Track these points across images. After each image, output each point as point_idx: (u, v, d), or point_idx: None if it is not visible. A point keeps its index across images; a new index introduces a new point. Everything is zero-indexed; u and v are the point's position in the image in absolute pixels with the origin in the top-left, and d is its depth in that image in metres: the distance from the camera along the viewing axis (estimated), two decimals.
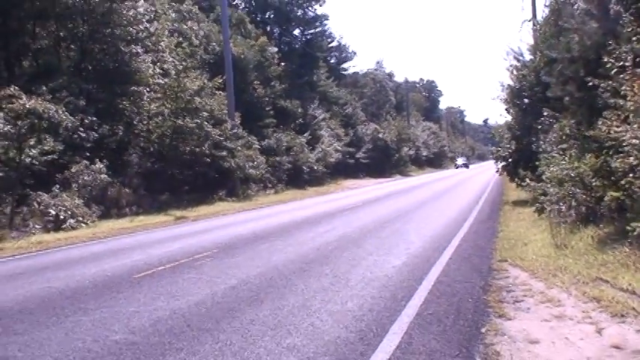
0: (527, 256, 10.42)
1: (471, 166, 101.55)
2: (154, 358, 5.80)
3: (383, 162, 71.10)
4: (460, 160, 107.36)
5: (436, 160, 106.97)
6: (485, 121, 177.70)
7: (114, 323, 7.12)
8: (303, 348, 5.86)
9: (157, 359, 5.76)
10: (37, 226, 19.07)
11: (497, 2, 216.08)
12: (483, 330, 6.28)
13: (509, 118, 25.87)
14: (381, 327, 6.49)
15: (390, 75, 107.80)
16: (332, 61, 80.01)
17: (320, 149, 51.84)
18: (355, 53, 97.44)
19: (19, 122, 18.95)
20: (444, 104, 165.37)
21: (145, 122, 30.16)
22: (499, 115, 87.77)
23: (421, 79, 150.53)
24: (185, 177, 30.64)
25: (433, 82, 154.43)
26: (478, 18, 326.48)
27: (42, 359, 5.93)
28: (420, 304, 7.43)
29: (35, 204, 20.01)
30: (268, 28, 63.17)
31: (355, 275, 9.49)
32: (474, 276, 9.17)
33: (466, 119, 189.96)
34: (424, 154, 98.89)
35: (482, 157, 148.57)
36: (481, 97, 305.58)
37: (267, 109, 47.20)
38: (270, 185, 39.97)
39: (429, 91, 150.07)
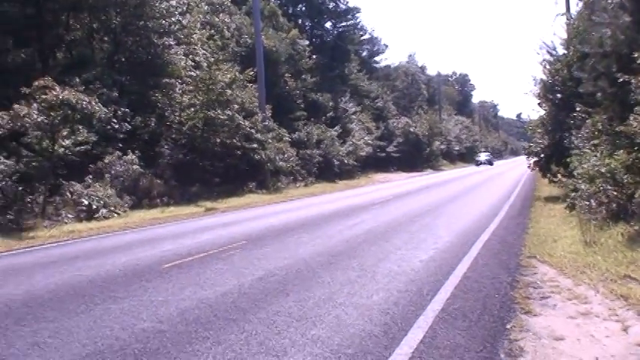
0: (556, 252, 10.31)
1: (502, 162, 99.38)
2: (180, 346, 5.87)
3: (414, 156, 70.59)
4: (483, 156, 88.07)
5: (468, 155, 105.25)
6: (518, 116, 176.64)
7: (142, 312, 7.23)
8: (328, 340, 5.89)
9: (184, 347, 5.83)
10: (69, 216, 19.39)
11: None
12: (509, 326, 6.25)
13: (542, 112, 25.60)
14: (405, 321, 6.48)
15: (422, 68, 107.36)
16: (364, 54, 79.99)
17: (351, 142, 51.82)
18: (387, 46, 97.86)
19: (52, 113, 19.17)
20: (476, 98, 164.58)
21: (176, 114, 30.43)
22: (532, 110, 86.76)
23: (454, 72, 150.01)
24: (216, 169, 30.82)
25: (466, 75, 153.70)
26: (511, 11, 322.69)
27: (71, 346, 6.03)
28: (446, 299, 7.40)
29: (68, 194, 20.37)
30: (300, 21, 63.28)
31: (382, 269, 9.48)
32: (502, 272, 9.10)
33: (499, 113, 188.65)
34: (456, 148, 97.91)
35: (515, 152, 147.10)
36: (514, 91, 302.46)
37: (298, 102, 47.38)
38: (300, 178, 39.99)
39: (462, 85, 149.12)
